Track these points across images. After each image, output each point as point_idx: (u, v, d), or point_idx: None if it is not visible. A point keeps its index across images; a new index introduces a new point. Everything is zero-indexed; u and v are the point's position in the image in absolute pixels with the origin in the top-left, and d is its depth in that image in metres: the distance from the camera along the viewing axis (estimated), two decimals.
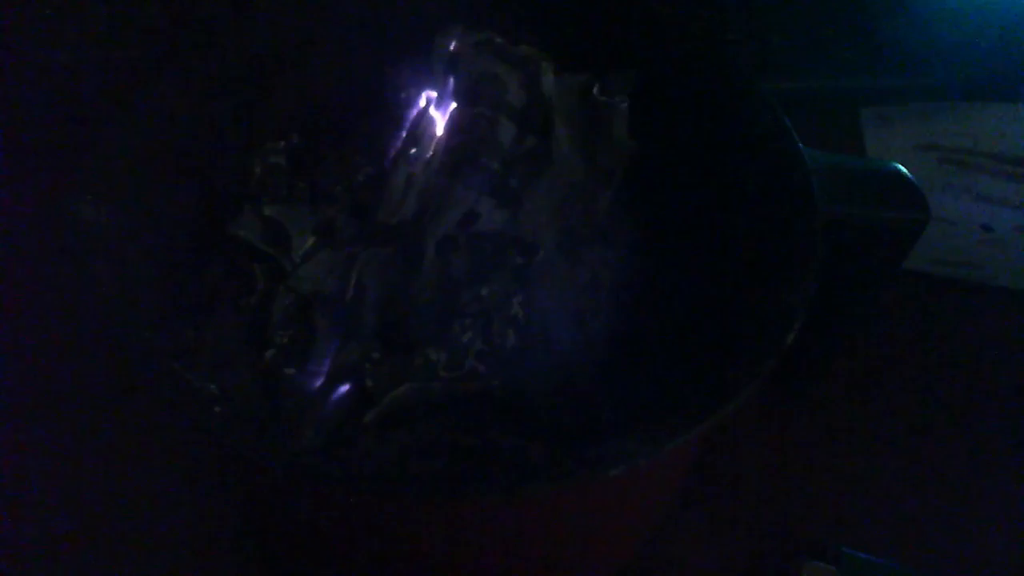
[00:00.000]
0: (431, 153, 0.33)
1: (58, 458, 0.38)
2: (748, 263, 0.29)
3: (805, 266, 0.26)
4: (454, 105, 0.33)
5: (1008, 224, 0.50)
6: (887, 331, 0.46)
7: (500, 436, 0.29)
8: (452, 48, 0.33)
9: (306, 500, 0.29)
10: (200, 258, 0.31)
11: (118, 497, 0.37)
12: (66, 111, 0.30)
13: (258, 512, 0.36)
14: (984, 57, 0.55)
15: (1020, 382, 0.44)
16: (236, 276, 0.31)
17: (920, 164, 0.52)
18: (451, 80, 0.33)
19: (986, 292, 0.47)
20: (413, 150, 0.33)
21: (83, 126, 0.28)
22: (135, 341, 0.24)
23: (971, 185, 0.51)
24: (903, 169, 0.32)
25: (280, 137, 0.34)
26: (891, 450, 0.42)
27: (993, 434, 0.42)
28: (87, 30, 0.39)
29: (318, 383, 0.30)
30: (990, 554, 0.38)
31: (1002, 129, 0.54)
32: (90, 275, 0.25)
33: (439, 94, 0.33)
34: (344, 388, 0.30)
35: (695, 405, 0.24)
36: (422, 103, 0.33)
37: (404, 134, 0.33)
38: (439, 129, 0.33)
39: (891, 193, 0.32)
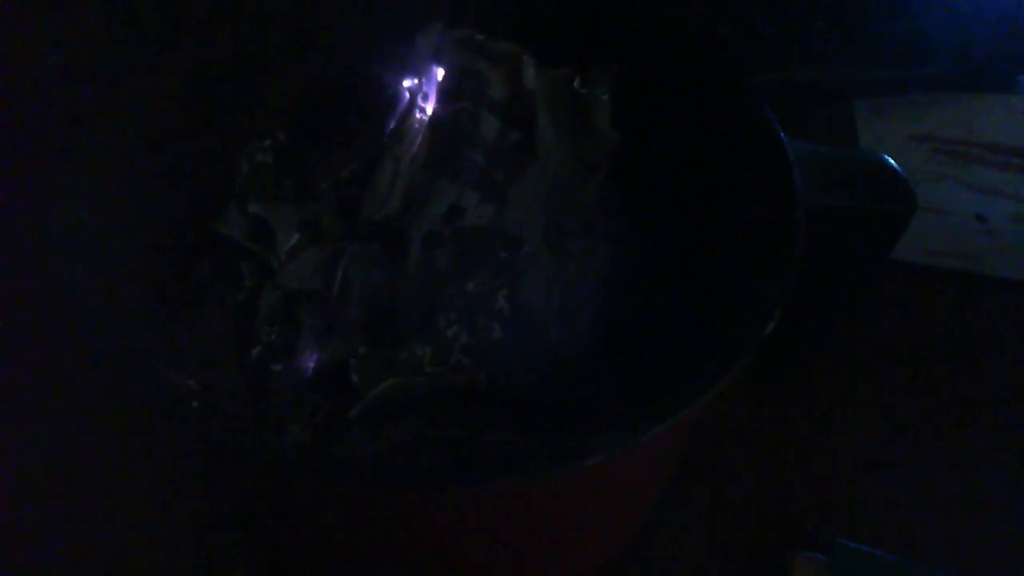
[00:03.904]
0: (416, 149, 0.33)
1: (50, 458, 0.38)
2: (729, 255, 0.29)
3: (785, 258, 0.26)
4: (437, 100, 0.33)
5: (1002, 214, 0.50)
6: (881, 322, 0.46)
7: (486, 430, 0.29)
8: (434, 45, 0.33)
9: (292, 495, 0.29)
10: (187, 257, 0.31)
11: (115, 496, 0.37)
12: (49, 111, 0.31)
13: (251, 509, 0.37)
14: (978, 48, 0.55)
15: (1016, 371, 0.44)
16: (223, 274, 0.32)
17: (914, 155, 0.52)
18: (434, 77, 0.33)
19: (981, 282, 0.47)
20: (398, 146, 0.33)
21: (65, 126, 0.28)
22: (114, 340, 0.24)
23: (965, 175, 0.51)
24: (890, 159, 0.32)
25: (266, 135, 0.34)
26: (884, 440, 0.42)
27: (989, 424, 0.42)
28: (82, 30, 0.39)
29: (304, 379, 0.30)
30: (984, 544, 0.38)
31: (996, 119, 0.53)
32: (72, 276, 0.25)
33: (423, 90, 0.33)
34: (330, 384, 0.30)
35: (673, 396, 0.24)
36: (406, 99, 0.33)
37: (389, 130, 0.33)
38: (423, 125, 0.33)
39: (877, 183, 0.32)
